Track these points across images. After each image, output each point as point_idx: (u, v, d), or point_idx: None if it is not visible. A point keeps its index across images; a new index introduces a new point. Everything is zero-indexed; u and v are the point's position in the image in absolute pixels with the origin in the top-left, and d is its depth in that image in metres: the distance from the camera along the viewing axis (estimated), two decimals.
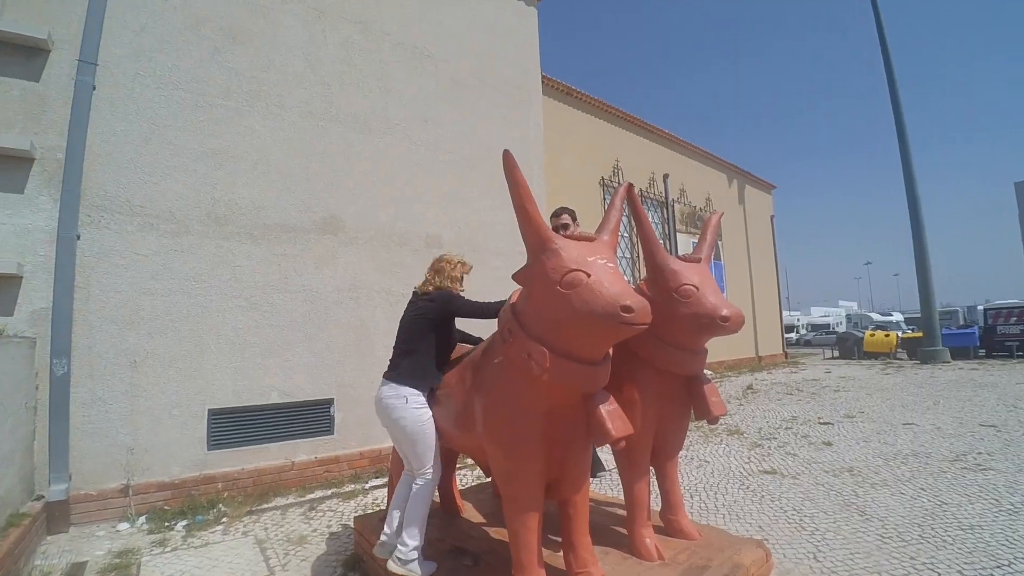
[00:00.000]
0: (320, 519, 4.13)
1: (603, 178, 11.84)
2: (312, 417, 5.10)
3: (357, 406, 5.27)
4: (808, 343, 30.80)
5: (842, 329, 28.79)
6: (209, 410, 4.59)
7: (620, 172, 12.22)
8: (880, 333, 19.52)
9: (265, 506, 4.43)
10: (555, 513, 2.37)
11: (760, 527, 3.72)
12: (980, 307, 30.76)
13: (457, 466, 3.61)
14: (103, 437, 4.17)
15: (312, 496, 4.68)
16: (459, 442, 2.65)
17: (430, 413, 2.63)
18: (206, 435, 4.56)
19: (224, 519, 4.15)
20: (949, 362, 14.85)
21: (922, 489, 4.40)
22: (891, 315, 35.23)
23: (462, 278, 2.94)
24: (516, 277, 2.12)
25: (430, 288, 2.83)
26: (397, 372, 2.67)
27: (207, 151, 4.77)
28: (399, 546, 2.48)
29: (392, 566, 2.43)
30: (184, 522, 4.07)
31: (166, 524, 4.04)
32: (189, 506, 4.29)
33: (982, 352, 16.22)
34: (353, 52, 5.76)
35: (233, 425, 4.69)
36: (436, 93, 6.40)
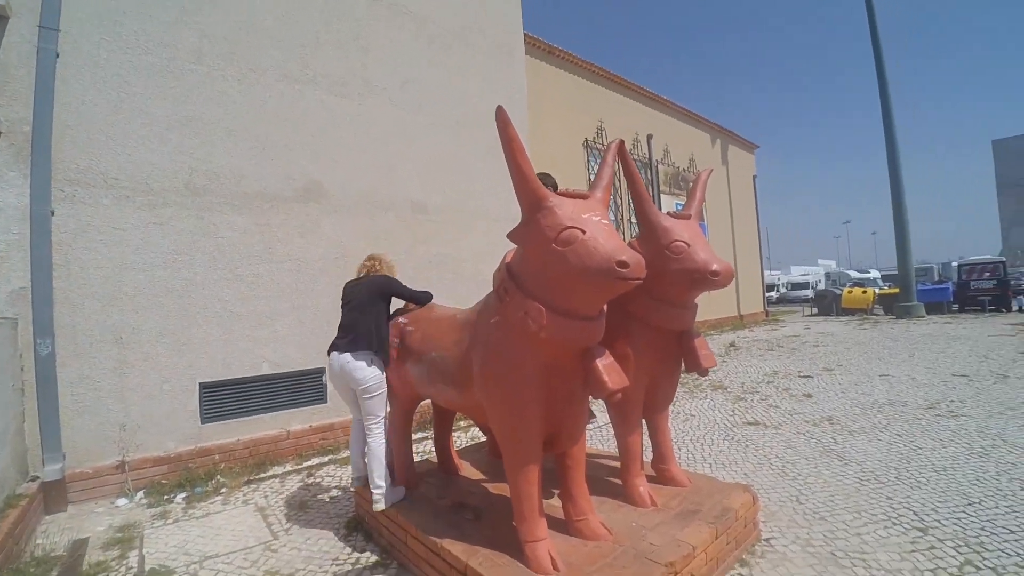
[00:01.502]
0: (319, 485, 4.20)
1: (587, 139, 11.73)
2: (304, 386, 5.12)
3: None
4: (782, 300, 31.42)
5: (821, 287, 29.40)
6: (200, 384, 4.57)
7: (604, 133, 12.10)
8: (858, 290, 19.94)
9: (263, 475, 4.48)
10: (551, 468, 2.45)
11: (745, 474, 3.89)
12: (955, 263, 31.65)
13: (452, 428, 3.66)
14: (94, 415, 4.14)
15: (309, 463, 4.74)
16: (456, 402, 2.69)
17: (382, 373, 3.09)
18: (199, 408, 4.56)
19: (223, 489, 4.19)
20: (924, 317, 15.35)
21: (898, 435, 4.61)
22: (868, 272, 36.01)
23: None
24: (511, 236, 2.12)
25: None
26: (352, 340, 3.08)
27: (181, 118, 4.60)
28: (373, 491, 2.88)
29: (377, 507, 2.86)
30: (183, 494, 4.10)
31: (165, 497, 4.07)
32: (187, 479, 4.31)
33: (955, 307, 16.76)
34: (329, 10, 5.53)
35: (226, 397, 4.69)
36: (416, 52, 6.20)
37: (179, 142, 4.58)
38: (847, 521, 3.04)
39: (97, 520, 3.75)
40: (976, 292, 16.31)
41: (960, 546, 2.70)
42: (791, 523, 3.05)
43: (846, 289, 20.92)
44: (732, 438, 4.82)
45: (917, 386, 6.49)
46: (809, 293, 26.94)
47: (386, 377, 3.08)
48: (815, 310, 21.16)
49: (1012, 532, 2.80)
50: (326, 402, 5.21)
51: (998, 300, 15.74)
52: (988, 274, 16.42)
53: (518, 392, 2.12)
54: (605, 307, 2.18)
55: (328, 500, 3.85)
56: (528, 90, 7.77)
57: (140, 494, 4.14)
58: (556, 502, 2.53)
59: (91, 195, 4.21)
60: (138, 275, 4.34)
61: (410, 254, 5.90)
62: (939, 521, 2.98)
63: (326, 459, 4.84)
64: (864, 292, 19.31)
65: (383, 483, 2.90)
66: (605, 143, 12.04)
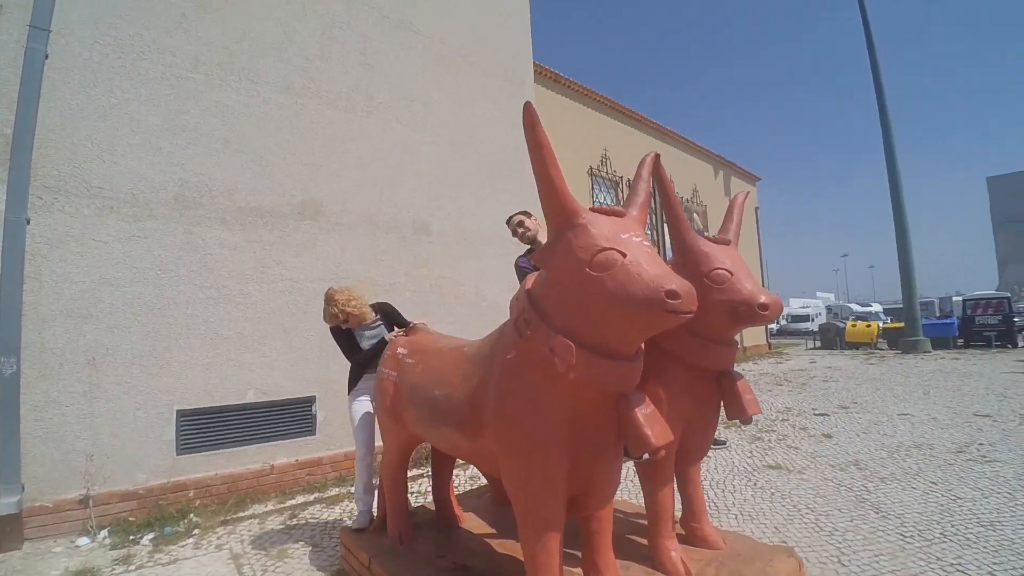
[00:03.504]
0: (302, 528, 3.80)
1: (591, 167, 11.57)
2: (292, 417, 4.74)
3: (342, 404, 4.90)
4: (782, 332, 31.19)
5: (822, 320, 29.18)
6: (178, 411, 4.20)
7: (608, 162, 11.97)
8: (861, 324, 19.74)
9: (241, 514, 4.08)
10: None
11: (776, 528, 3.52)
12: (954, 297, 31.54)
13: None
14: (59, 443, 3.76)
15: (293, 502, 4.34)
16: (461, 448, 2.34)
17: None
18: (175, 438, 4.18)
19: (196, 530, 3.79)
20: (930, 352, 15.04)
21: (933, 483, 4.26)
22: (870, 306, 35.84)
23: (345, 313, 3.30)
24: (536, 257, 1.82)
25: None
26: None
27: (173, 127, 4.34)
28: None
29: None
30: (151, 535, 3.70)
31: (131, 538, 3.67)
32: (157, 517, 3.91)
33: (960, 342, 16.47)
34: (334, 24, 5.35)
35: (205, 427, 4.31)
36: (422, 71, 6.02)
37: (170, 152, 4.32)
38: None
39: (53, 562, 3.36)
40: (981, 327, 16.05)
41: None
42: None
43: (849, 323, 20.71)
44: (755, 484, 4.45)
45: (940, 427, 6.15)
46: (810, 326, 26.68)
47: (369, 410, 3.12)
48: (818, 343, 20.86)
49: None
50: (315, 434, 4.82)
51: (1004, 336, 15.47)
52: (993, 310, 16.19)
53: (539, 444, 1.78)
54: (643, 346, 1.86)
55: (312, 548, 3.45)
56: None
57: (104, 533, 3.73)
58: (574, 567, 2.17)
59: (71, 204, 3.92)
60: (116, 291, 4.02)
61: (410, 276, 5.60)
62: None
63: (311, 497, 4.43)
64: (868, 326, 19.06)
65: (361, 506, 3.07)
66: (610, 172, 11.90)
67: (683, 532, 2.63)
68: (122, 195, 4.10)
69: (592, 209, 1.82)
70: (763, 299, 2.15)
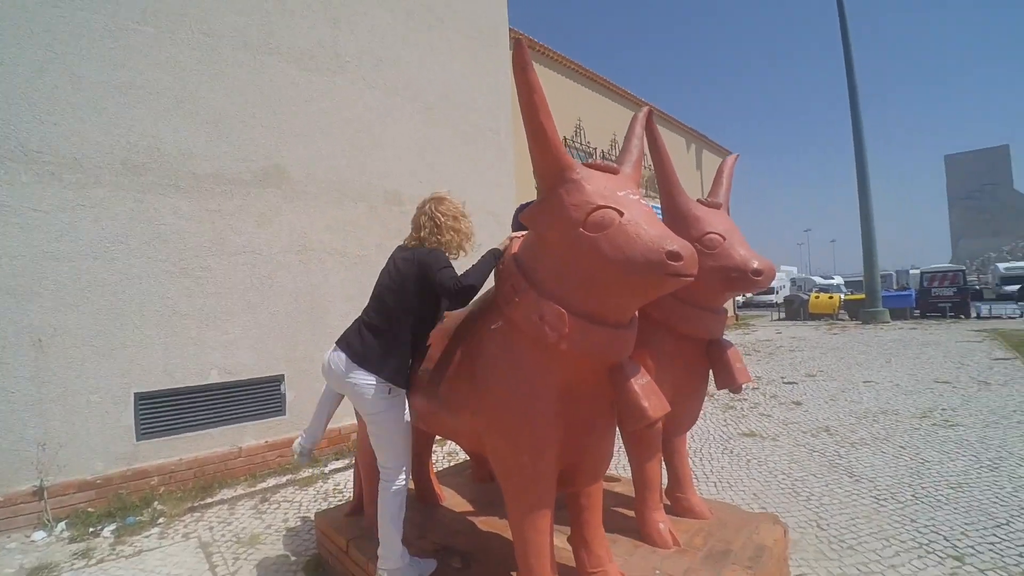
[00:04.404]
0: (274, 512, 3.64)
1: (566, 138, 11.36)
2: (260, 396, 4.51)
3: (312, 382, 4.73)
4: (748, 304, 32.07)
5: (786, 292, 30.03)
6: (136, 394, 3.94)
7: (583, 132, 11.77)
8: (824, 295, 20.38)
9: (209, 500, 3.89)
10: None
11: (755, 495, 3.56)
12: (911, 270, 32.78)
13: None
14: (6, 432, 3.48)
15: (264, 485, 4.17)
16: (443, 426, 2.23)
17: (407, 411, 2.20)
18: (134, 423, 3.92)
19: (161, 519, 3.59)
20: (889, 322, 15.66)
21: (901, 447, 4.39)
22: (832, 279, 36.99)
23: (466, 241, 2.28)
24: (525, 217, 1.67)
25: (414, 243, 2.21)
26: (370, 356, 2.07)
27: (119, 85, 3.96)
28: (379, 567, 2.07)
29: None
30: (112, 526, 3.48)
31: (91, 530, 3.45)
32: (118, 506, 3.68)
33: (917, 313, 17.17)
34: None
35: (166, 410, 4.06)
36: (392, 29, 5.66)
37: (116, 112, 3.95)
38: (877, 550, 2.75)
39: (7, 559, 3.12)
40: (937, 299, 16.74)
41: None
42: (819, 555, 2.72)
43: (813, 295, 21.35)
44: (731, 452, 4.51)
45: (904, 393, 6.37)
46: (775, 298, 27.45)
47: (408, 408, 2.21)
48: (783, 315, 21.45)
49: None
50: (284, 414, 4.62)
51: (958, 307, 16.18)
52: (949, 282, 16.89)
53: (528, 419, 1.67)
54: (637, 313, 1.75)
55: (285, 532, 3.30)
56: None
57: (61, 526, 3.49)
58: (561, 542, 2.09)
59: (6, 170, 3.55)
60: (61, 266, 3.69)
61: (382, 248, 5.36)
62: (973, 547, 2.73)
63: (283, 479, 4.27)
64: (830, 298, 19.67)
65: (393, 556, 2.06)
66: (584, 143, 11.73)
67: (669, 503, 2.59)
68: (64, 160, 3.74)
69: (586, 165, 1.68)
70: (756, 264, 2.07)
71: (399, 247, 2.31)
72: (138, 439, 3.94)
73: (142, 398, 3.96)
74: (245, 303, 4.44)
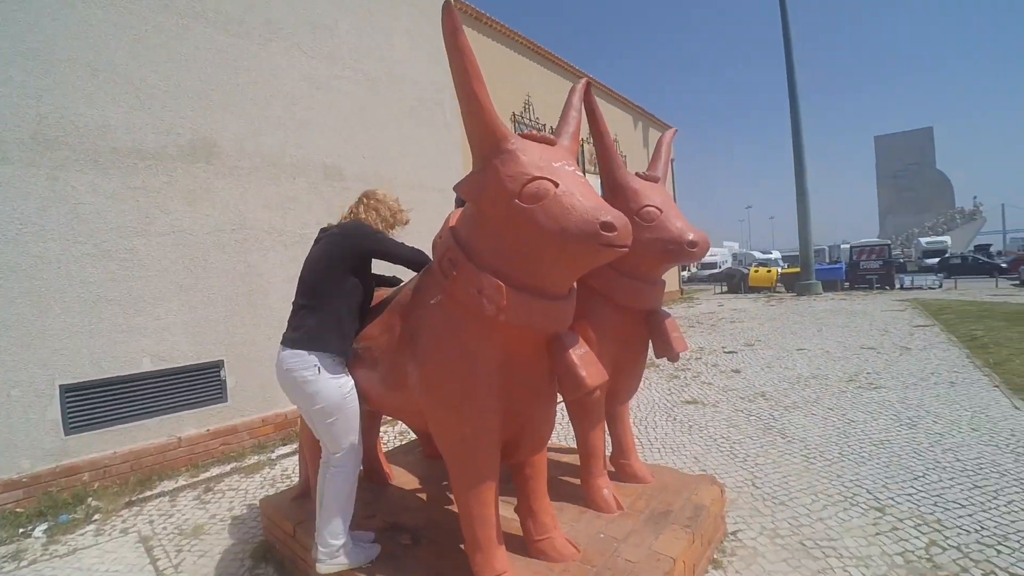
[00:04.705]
0: (219, 502, 3.52)
1: (514, 113, 11.25)
2: (198, 384, 4.31)
3: (254, 366, 4.56)
4: (693, 279, 33.33)
5: (728, 266, 31.37)
6: (61, 386, 3.67)
7: (532, 108, 11.70)
8: (763, 269, 21.36)
9: (148, 493, 3.72)
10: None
11: (696, 458, 3.73)
12: (842, 245, 34.87)
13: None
14: None
15: (207, 475, 4.01)
16: (386, 404, 2.19)
17: (352, 383, 2.09)
18: (61, 417, 3.67)
19: (96, 516, 3.40)
20: (821, 294, 16.66)
21: (829, 409, 4.69)
22: (771, 253, 38.80)
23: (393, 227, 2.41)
24: (459, 188, 1.64)
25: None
26: (302, 334, 2.03)
27: (25, 51, 3.58)
28: (320, 546, 1.99)
29: (321, 568, 1.97)
30: (44, 525, 3.27)
31: (21, 530, 3.23)
32: (49, 505, 3.45)
33: (847, 284, 18.30)
34: None
35: (96, 402, 3.82)
36: None
37: (23, 81, 3.58)
38: (807, 505, 2.93)
39: None
40: (865, 271, 17.87)
41: (920, 525, 2.64)
42: (753, 511, 2.88)
43: (752, 269, 22.34)
44: (674, 418, 4.69)
45: (833, 359, 6.79)
46: (718, 272, 28.67)
47: (354, 390, 2.09)
48: (725, 288, 22.38)
49: (963, 507, 2.80)
50: (226, 401, 4.44)
51: (884, 279, 17.34)
52: (875, 255, 18.05)
53: (469, 392, 1.67)
54: (575, 284, 1.77)
55: (230, 521, 3.20)
56: None
57: None
58: (508, 512, 2.13)
59: None
60: None
61: (323, 225, 5.19)
62: (893, 499, 2.95)
63: (228, 468, 4.13)
64: (768, 271, 20.65)
65: (336, 541, 1.98)
66: (533, 119, 11.66)
67: (613, 469, 2.68)
68: None
69: (521, 135, 1.66)
70: (691, 236, 2.13)
71: (321, 229, 2.34)
72: (66, 433, 3.69)
73: (68, 390, 3.70)
74: (177, 286, 4.20)
